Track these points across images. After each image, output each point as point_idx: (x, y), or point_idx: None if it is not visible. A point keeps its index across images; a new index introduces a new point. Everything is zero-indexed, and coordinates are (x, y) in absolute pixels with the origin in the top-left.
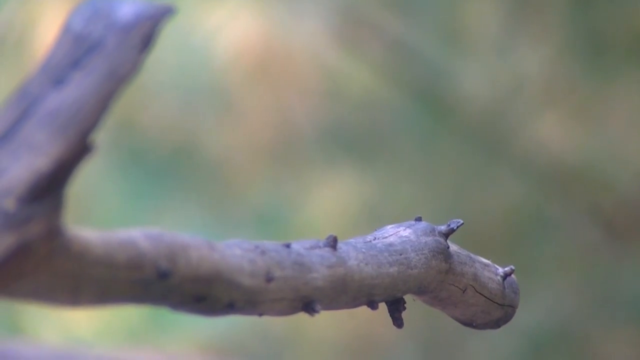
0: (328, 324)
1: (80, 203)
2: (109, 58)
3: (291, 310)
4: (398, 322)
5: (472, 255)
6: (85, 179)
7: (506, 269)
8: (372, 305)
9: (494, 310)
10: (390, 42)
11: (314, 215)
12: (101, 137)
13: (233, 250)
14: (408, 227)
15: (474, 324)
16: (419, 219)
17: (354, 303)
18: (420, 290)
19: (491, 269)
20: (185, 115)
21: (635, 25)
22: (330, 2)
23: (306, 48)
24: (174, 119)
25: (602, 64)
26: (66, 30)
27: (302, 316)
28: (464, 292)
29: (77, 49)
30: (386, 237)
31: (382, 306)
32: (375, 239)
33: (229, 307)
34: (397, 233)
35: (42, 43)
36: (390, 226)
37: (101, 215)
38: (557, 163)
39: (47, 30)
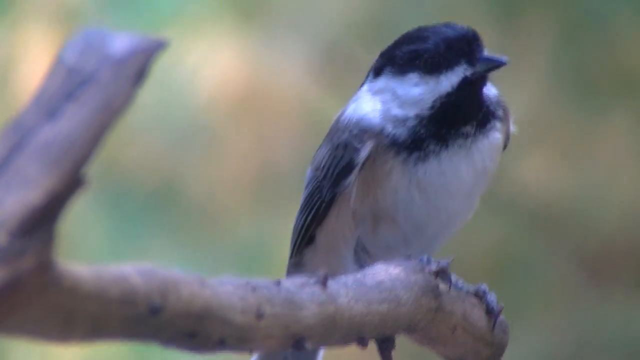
0: None
1: (65, 241)
2: (102, 91)
3: (281, 347)
4: None
5: (462, 293)
6: (69, 217)
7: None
8: (362, 342)
9: (483, 349)
10: None
11: None
12: (86, 175)
13: (224, 286)
14: (398, 264)
15: None
16: (408, 257)
17: (344, 340)
18: (410, 328)
19: (480, 307)
20: (168, 152)
21: (621, 64)
22: (313, 40)
23: (288, 85)
24: (157, 157)
25: (588, 104)
26: (59, 63)
27: None
28: (453, 331)
29: (70, 81)
30: (376, 275)
31: (372, 344)
32: (365, 276)
33: (220, 344)
34: (387, 270)
35: (25, 78)
36: (380, 264)
37: (86, 253)
38: (542, 204)
39: (31, 65)
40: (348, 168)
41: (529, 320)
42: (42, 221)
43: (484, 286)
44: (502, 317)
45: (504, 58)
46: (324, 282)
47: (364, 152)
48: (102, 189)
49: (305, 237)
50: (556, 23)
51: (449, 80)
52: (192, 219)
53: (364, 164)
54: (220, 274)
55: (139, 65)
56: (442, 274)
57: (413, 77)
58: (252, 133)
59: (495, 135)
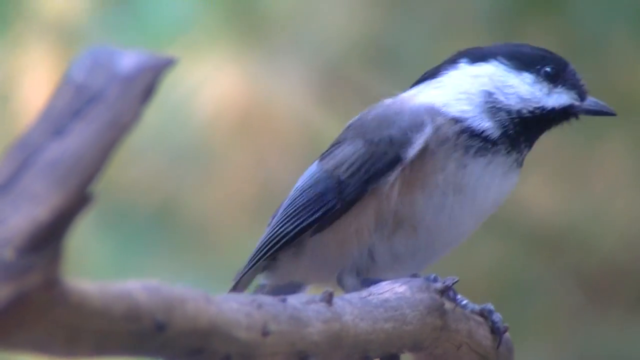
0: None
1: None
2: (110, 108)
3: None
4: None
5: (467, 312)
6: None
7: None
8: None
9: None
10: (371, 100)
11: None
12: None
13: (229, 303)
14: (403, 283)
15: None
16: (414, 275)
17: (349, 358)
18: (415, 347)
19: (485, 327)
20: (169, 172)
21: (619, 87)
22: (312, 60)
23: (288, 106)
24: (157, 177)
25: (586, 126)
26: (67, 80)
27: None
28: (458, 349)
29: (78, 99)
30: (382, 293)
31: None
32: (370, 294)
33: None
34: (393, 289)
35: (27, 97)
36: (385, 282)
37: (85, 273)
38: (541, 225)
39: (32, 84)
40: (392, 164)
41: (529, 340)
42: (49, 238)
43: (490, 305)
44: (507, 335)
45: (613, 110)
46: (329, 300)
47: (418, 147)
48: (101, 209)
49: (295, 239)
50: (553, 45)
51: (558, 98)
52: (192, 239)
53: (412, 159)
54: (219, 293)
55: (146, 83)
56: (447, 292)
57: (528, 77)
58: (252, 153)
59: (517, 174)
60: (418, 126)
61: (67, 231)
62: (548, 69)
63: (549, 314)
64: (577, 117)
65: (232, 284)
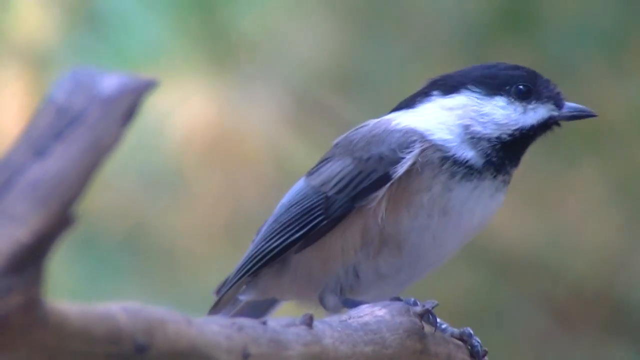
0: None
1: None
2: (91, 130)
3: None
4: None
5: (446, 336)
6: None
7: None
8: None
9: None
10: (341, 125)
11: None
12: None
13: (210, 325)
14: (383, 306)
15: None
16: (394, 299)
17: None
18: None
19: (464, 350)
20: (140, 197)
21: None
22: (282, 86)
23: (258, 131)
24: (128, 202)
25: (556, 152)
26: (48, 101)
27: None
28: None
29: (59, 120)
30: (361, 316)
31: None
32: (350, 317)
33: None
34: (373, 312)
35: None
36: (365, 305)
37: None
38: (510, 251)
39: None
40: (380, 181)
41: None
42: (30, 259)
43: (469, 329)
44: (486, 359)
45: (593, 111)
46: (309, 323)
47: (407, 163)
48: (72, 233)
49: (280, 255)
50: None
51: (535, 114)
52: (162, 264)
53: (400, 177)
54: (192, 317)
55: (128, 105)
56: (427, 316)
57: (501, 100)
58: (222, 178)
59: (504, 192)
60: (408, 145)
61: (48, 253)
62: (519, 87)
63: (519, 339)
64: (559, 125)
65: (215, 299)
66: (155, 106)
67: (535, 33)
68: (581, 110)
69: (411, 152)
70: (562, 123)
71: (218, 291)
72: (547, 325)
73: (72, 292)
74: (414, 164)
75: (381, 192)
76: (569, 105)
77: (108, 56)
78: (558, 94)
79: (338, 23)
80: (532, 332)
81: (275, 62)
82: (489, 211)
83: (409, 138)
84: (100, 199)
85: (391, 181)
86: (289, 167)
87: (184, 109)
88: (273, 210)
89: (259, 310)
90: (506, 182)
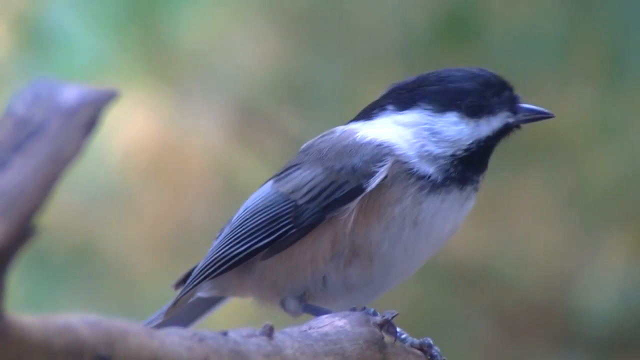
0: None
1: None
2: (51, 142)
3: None
4: None
5: (406, 346)
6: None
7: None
8: None
9: None
10: (286, 137)
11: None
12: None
13: (171, 337)
14: (343, 317)
15: None
16: (353, 309)
17: None
18: None
19: None
20: (86, 212)
21: (537, 125)
22: (226, 99)
23: (202, 144)
24: (74, 217)
25: (503, 164)
26: (8, 113)
27: None
28: None
29: (19, 132)
30: (321, 327)
31: None
32: (310, 328)
33: None
34: (333, 323)
35: None
36: (325, 315)
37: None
38: (459, 263)
39: None
40: (353, 193)
41: None
42: None
43: (429, 339)
44: None
45: (551, 111)
46: (270, 334)
47: (380, 177)
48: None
49: (243, 261)
50: None
51: (489, 125)
52: (110, 278)
53: (371, 190)
54: None
55: (88, 116)
56: (387, 326)
57: (452, 116)
58: (167, 192)
59: (474, 197)
60: (380, 158)
61: (9, 265)
62: (471, 100)
63: (469, 351)
64: (519, 128)
65: (173, 301)
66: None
67: (480, 43)
68: (537, 112)
69: (383, 165)
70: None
71: (177, 286)
72: (496, 336)
73: (20, 307)
74: (385, 177)
75: (353, 204)
76: (525, 107)
77: (53, 71)
78: (513, 98)
79: (281, 35)
80: (482, 343)
81: (218, 75)
82: (460, 217)
83: (381, 151)
84: (47, 213)
85: (363, 194)
86: (234, 180)
87: (127, 123)
88: (218, 223)
89: (203, 305)
90: (476, 189)
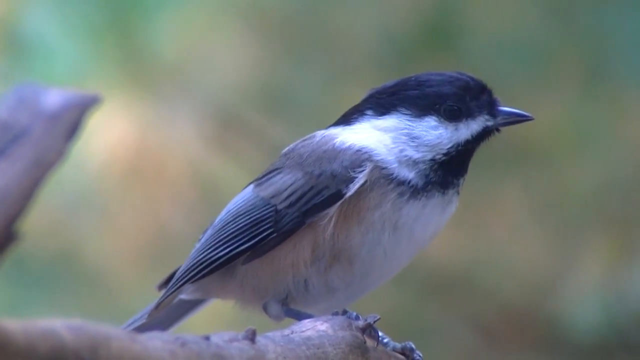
0: None
1: None
2: (35, 146)
3: None
4: None
5: (388, 350)
6: None
7: None
8: None
9: None
10: (265, 145)
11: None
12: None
13: (154, 341)
14: (326, 321)
15: None
16: (336, 314)
17: None
18: None
19: None
20: (63, 220)
21: (516, 134)
22: (204, 106)
23: (180, 151)
24: (52, 224)
25: (483, 172)
26: None
27: None
28: None
29: (2, 137)
30: (304, 331)
31: None
32: (293, 332)
33: None
34: (315, 327)
35: None
36: (308, 320)
37: None
38: (438, 270)
39: None
40: (332, 198)
41: None
42: None
43: (411, 343)
44: None
45: (530, 113)
46: (252, 338)
47: (359, 182)
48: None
49: (224, 265)
50: None
51: (468, 129)
52: (88, 285)
53: (351, 196)
54: None
55: (72, 120)
56: (369, 330)
57: (431, 120)
58: (145, 200)
59: (456, 200)
60: (360, 163)
61: None
62: (450, 104)
63: (448, 358)
64: (499, 131)
65: (156, 303)
66: None
67: (459, 50)
68: (517, 115)
69: (362, 171)
70: (488, 143)
71: (160, 287)
72: (476, 344)
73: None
74: (364, 183)
75: (332, 210)
76: (504, 111)
77: (31, 77)
78: (492, 102)
79: (260, 42)
80: (462, 349)
81: (197, 82)
82: (442, 221)
83: (360, 157)
84: (25, 221)
85: (343, 199)
86: (212, 187)
87: (106, 130)
88: (197, 229)
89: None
90: (458, 192)
